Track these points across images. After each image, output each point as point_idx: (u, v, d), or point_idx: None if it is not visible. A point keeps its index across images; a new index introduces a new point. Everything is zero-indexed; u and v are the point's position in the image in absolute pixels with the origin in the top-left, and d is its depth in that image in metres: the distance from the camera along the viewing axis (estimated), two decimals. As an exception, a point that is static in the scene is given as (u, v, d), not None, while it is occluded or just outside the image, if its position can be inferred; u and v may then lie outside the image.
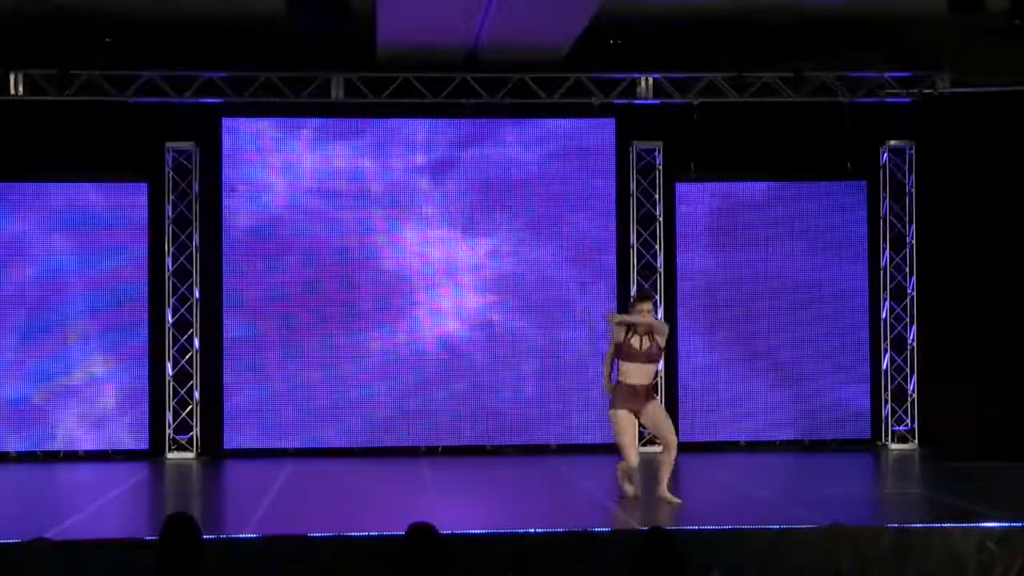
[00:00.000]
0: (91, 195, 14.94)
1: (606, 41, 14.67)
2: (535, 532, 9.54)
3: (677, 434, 11.53)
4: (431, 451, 15.12)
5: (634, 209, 15.46)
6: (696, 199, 15.48)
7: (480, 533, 9.55)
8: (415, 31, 13.51)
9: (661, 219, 15.47)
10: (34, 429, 14.82)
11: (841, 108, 15.28)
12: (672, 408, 15.32)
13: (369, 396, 15.09)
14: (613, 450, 15.02)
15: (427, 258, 15.24)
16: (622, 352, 11.22)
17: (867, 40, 14.64)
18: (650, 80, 15.23)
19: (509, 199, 15.31)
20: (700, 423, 15.40)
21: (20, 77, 14.64)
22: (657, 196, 15.47)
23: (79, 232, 14.91)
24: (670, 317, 15.37)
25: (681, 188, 15.47)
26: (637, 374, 11.21)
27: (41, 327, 14.82)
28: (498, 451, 15.18)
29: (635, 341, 11.22)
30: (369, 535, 9.55)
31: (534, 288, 15.30)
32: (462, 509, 11.41)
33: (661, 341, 11.30)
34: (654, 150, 15.49)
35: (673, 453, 11.28)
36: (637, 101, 15.29)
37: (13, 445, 14.78)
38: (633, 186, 15.45)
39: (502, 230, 15.30)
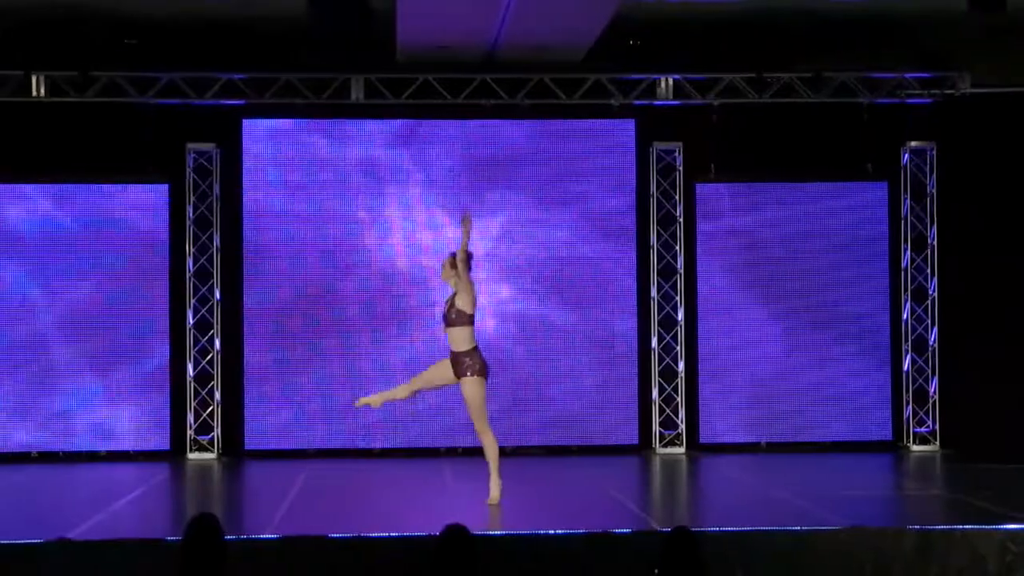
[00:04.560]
0: (112, 196, 14.97)
1: (626, 42, 14.65)
2: (555, 533, 9.54)
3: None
4: (451, 452, 15.12)
5: (654, 210, 15.44)
6: (716, 200, 15.46)
7: (499, 534, 9.56)
8: (435, 32, 13.52)
9: (681, 220, 15.44)
10: (55, 429, 14.87)
11: (861, 109, 15.25)
12: (693, 409, 15.32)
13: (389, 397, 15.08)
14: (633, 451, 15.10)
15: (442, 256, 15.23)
16: None
17: (888, 40, 14.60)
18: (670, 81, 15.21)
19: (529, 202, 15.30)
20: (721, 424, 15.38)
21: (42, 79, 14.69)
22: (677, 197, 15.45)
23: (100, 233, 14.95)
24: (690, 318, 15.36)
25: (701, 189, 15.45)
26: (449, 339, 11.28)
27: (61, 327, 14.86)
28: (518, 452, 15.17)
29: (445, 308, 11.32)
30: (389, 536, 9.57)
31: (553, 295, 15.28)
32: (482, 510, 11.40)
33: (459, 302, 11.17)
34: (674, 151, 15.47)
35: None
36: (657, 102, 15.27)
37: (35, 445, 14.82)
38: (653, 187, 15.43)
39: (522, 233, 15.28)
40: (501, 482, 11.35)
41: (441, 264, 11.49)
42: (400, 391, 11.71)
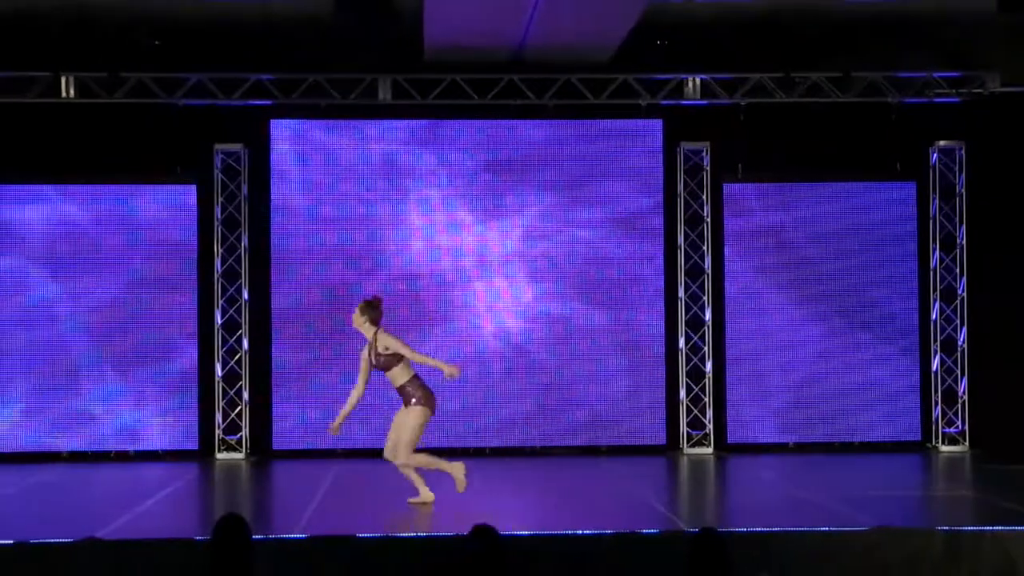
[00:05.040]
0: (141, 196, 15.03)
1: (653, 41, 14.64)
2: (582, 533, 9.54)
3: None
4: (478, 452, 15.13)
5: (681, 210, 15.42)
6: (744, 200, 15.43)
7: (527, 534, 9.55)
8: (462, 32, 13.54)
9: (708, 220, 15.42)
10: (85, 429, 14.94)
11: (890, 108, 15.19)
12: (720, 409, 15.30)
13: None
14: (660, 451, 15.08)
15: (472, 256, 15.25)
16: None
17: (916, 39, 14.56)
18: (697, 81, 15.19)
19: (555, 202, 15.31)
20: (748, 424, 15.35)
21: (71, 80, 14.75)
22: (704, 197, 15.43)
23: (129, 234, 15.01)
24: (717, 319, 15.34)
25: (728, 189, 15.43)
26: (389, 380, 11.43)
27: (90, 328, 14.92)
28: (546, 452, 15.17)
29: (371, 356, 11.38)
30: (417, 536, 9.59)
31: (579, 296, 15.29)
32: (509, 510, 11.41)
33: (380, 347, 11.27)
34: (701, 151, 15.45)
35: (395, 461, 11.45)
36: (684, 102, 15.25)
37: (64, 445, 14.90)
38: (680, 187, 15.42)
39: (548, 233, 15.28)
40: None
41: (354, 313, 11.48)
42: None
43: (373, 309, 11.38)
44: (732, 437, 15.34)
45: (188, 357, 15.03)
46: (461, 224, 15.29)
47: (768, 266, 15.43)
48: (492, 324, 15.27)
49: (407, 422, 11.34)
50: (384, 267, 15.22)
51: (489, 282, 15.29)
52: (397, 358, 11.28)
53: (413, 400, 11.34)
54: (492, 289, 15.28)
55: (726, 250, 15.44)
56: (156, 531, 10.11)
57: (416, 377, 11.37)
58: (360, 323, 11.40)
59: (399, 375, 11.34)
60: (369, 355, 11.37)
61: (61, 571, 9.11)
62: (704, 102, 15.24)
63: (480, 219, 15.29)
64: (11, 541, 9.37)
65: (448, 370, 11.23)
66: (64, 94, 14.75)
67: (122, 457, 14.94)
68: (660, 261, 15.38)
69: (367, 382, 11.57)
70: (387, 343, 11.26)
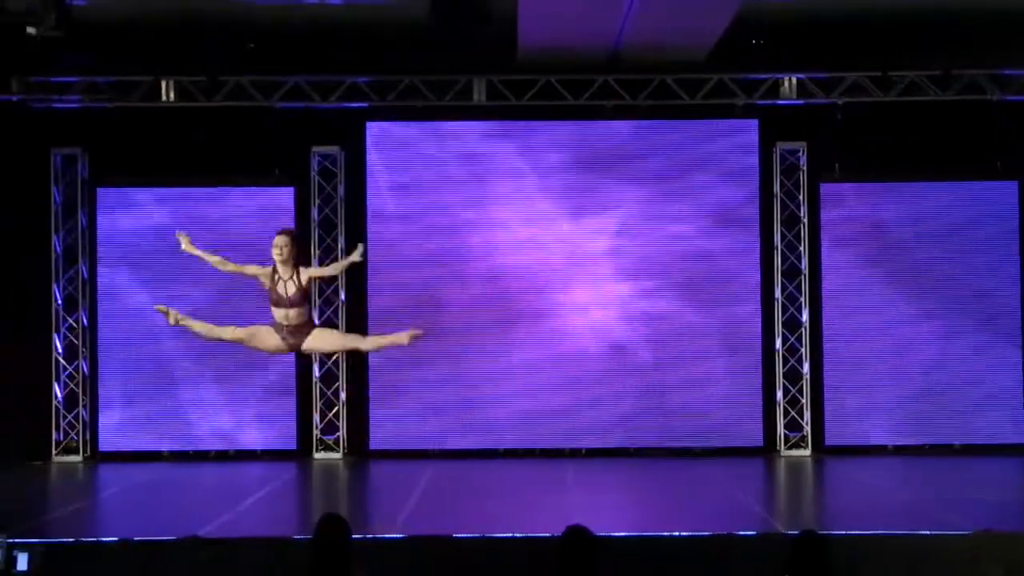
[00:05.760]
0: (240, 199, 15.19)
1: (749, 41, 14.55)
2: (678, 535, 9.51)
3: None
4: (574, 453, 15.13)
5: (778, 210, 15.32)
6: (841, 200, 15.29)
7: (622, 536, 9.54)
8: (556, 33, 13.53)
9: (805, 220, 15.30)
10: (185, 430, 15.13)
11: (991, 106, 14.98)
12: (819, 411, 15.15)
13: (511, 398, 15.14)
14: (757, 453, 14.98)
15: (567, 256, 15.25)
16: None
17: (1018, 36, 14.32)
18: (793, 80, 15.08)
19: (650, 201, 15.26)
20: (848, 426, 15.19)
21: (171, 84, 14.95)
22: (801, 197, 15.31)
23: (227, 236, 15.15)
24: (815, 319, 15.22)
25: (826, 189, 15.29)
26: (282, 316, 10.73)
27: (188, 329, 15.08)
28: (641, 453, 15.13)
29: (280, 288, 10.70)
30: (514, 536, 9.60)
31: (675, 296, 15.24)
32: (605, 511, 11.40)
33: (302, 280, 10.61)
34: (798, 151, 15.34)
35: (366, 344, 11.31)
36: (780, 101, 15.15)
37: (165, 445, 15.10)
38: (777, 187, 15.31)
39: (642, 232, 15.25)
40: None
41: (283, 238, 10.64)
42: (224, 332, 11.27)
43: (298, 244, 10.79)
44: (830, 439, 15.19)
45: (286, 358, 15.15)
46: (555, 223, 15.28)
47: (866, 266, 15.26)
48: (588, 323, 15.24)
49: (331, 334, 11.19)
50: (478, 267, 15.25)
51: (585, 282, 15.26)
52: (307, 296, 10.74)
53: (315, 322, 11.15)
54: (588, 289, 15.25)
55: (823, 250, 15.30)
56: (255, 530, 10.22)
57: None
58: (286, 254, 10.58)
59: (304, 311, 10.72)
60: (276, 284, 10.64)
61: (163, 568, 9.24)
62: (800, 102, 15.12)
63: (574, 218, 15.27)
64: (116, 539, 9.54)
65: (352, 257, 10.79)
66: (164, 98, 14.95)
67: (221, 457, 15.12)
68: (756, 262, 15.27)
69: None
70: (311, 274, 10.73)
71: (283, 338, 10.74)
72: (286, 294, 10.73)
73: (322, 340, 10.95)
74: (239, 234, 15.12)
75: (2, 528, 9.18)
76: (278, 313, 10.79)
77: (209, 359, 15.06)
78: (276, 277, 10.79)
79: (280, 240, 10.77)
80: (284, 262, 10.79)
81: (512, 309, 15.23)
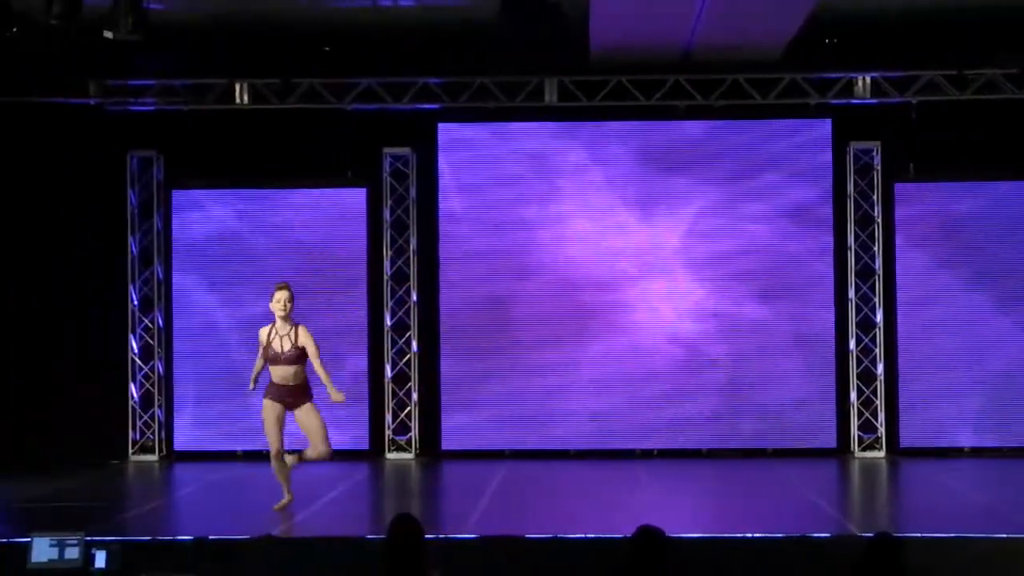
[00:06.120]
0: (312, 200, 15.28)
1: (822, 40, 14.46)
2: (751, 536, 9.47)
3: None
4: (646, 454, 15.10)
5: (851, 210, 15.20)
6: (916, 200, 15.15)
7: (693, 537, 9.51)
8: (628, 33, 13.52)
9: (879, 220, 15.18)
10: (259, 429, 15.18)
11: (1069, 104, 14.80)
12: (892, 412, 15.03)
13: (583, 398, 15.13)
14: (831, 454, 14.88)
15: (641, 256, 15.22)
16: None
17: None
18: (867, 79, 14.97)
19: (723, 201, 15.21)
20: (923, 427, 15.05)
21: (245, 86, 15.08)
22: (875, 197, 15.19)
23: (300, 237, 15.27)
24: (889, 320, 15.08)
25: (900, 188, 15.16)
26: (280, 375, 10.97)
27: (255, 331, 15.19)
28: (714, 454, 15.07)
29: (276, 344, 10.96)
30: (586, 537, 9.60)
31: (748, 295, 15.17)
32: (677, 512, 11.37)
33: (299, 340, 10.93)
34: (872, 150, 15.22)
35: (319, 452, 11.13)
36: (854, 100, 15.04)
37: (240, 445, 15.21)
38: (850, 187, 15.20)
39: (715, 231, 15.20)
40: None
41: (283, 293, 11.13)
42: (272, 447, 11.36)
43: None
44: (905, 441, 15.06)
45: (359, 358, 15.24)
46: (627, 223, 15.26)
47: (941, 268, 15.10)
48: (659, 323, 15.20)
49: (317, 418, 11.14)
50: (553, 270, 15.24)
51: (656, 281, 15.23)
52: (304, 356, 11.03)
53: (312, 396, 11.18)
54: (659, 289, 15.21)
55: (897, 251, 15.17)
56: (329, 529, 10.29)
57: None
58: (288, 309, 11.05)
59: (301, 371, 11.08)
60: (272, 341, 11.02)
61: (238, 567, 9.31)
62: (874, 101, 15.01)
63: (645, 218, 15.24)
64: (191, 537, 9.63)
65: (336, 396, 10.98)
66: (238, 100, 15.09)
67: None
68: (830, 262, 15.17)
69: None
70: (305, 341, 10.99)
71: (282, 400, 10.87)
72: (282, 351, 10.93)
73: (308, 419, 11.16)
74: (312, 234, 15.26)
75: (80, 527, 9.31)
76: (275, 372, 10.93)
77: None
78: (273, 333, 10.93)
79: (282, 295, 10.94)
80: (284, 317, 10.93)
81: (583, 309, 15.22)
